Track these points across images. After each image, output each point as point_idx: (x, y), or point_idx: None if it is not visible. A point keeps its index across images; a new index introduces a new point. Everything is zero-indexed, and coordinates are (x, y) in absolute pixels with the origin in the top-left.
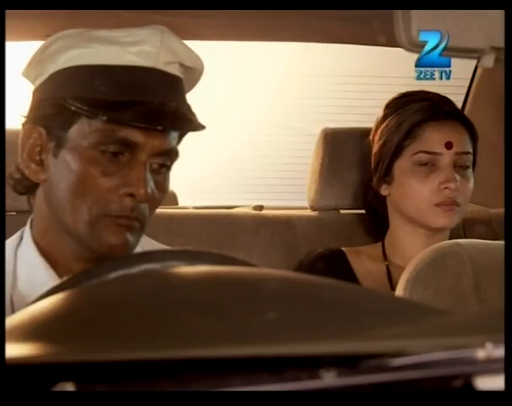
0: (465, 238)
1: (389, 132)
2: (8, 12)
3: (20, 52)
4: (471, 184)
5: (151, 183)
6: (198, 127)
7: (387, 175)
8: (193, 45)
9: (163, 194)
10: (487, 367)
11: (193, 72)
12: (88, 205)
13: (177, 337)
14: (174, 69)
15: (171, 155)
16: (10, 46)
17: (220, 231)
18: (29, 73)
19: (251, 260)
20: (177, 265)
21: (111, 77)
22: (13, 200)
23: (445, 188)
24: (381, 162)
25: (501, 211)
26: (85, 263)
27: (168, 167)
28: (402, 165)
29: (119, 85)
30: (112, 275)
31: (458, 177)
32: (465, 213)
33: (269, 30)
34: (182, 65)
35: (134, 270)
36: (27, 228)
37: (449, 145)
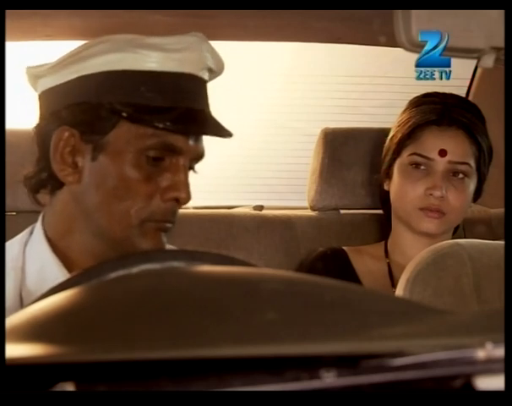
0: (465, 238)
1: (397, 128)
2: (8, 12)
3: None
4: (465, 195)
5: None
6: (226, 133)
7: (389, 170)
8: None
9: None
10: (487, 367)
11: (215, 75)
12: (130, 209)
13: (177, 337)
14: (204, 74)
15: (202, 158)
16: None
17: (220, 231)
18: (50, 72)
19: (251, 260)
20: (177, 265)
21: (155, 83)
22: (13, 200)
23: (430, 194)
24: (386, 156)
25: (501, 211)
26: (98, 260)
27: (193, 170)
28: (400, 163)
29: (162, 90)
30: (112, 275)
31: (449, 186)
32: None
33: (269, 30)
34: (210, 70)
35: (134, 270)
36: (38, 225)
37: (442, 153)
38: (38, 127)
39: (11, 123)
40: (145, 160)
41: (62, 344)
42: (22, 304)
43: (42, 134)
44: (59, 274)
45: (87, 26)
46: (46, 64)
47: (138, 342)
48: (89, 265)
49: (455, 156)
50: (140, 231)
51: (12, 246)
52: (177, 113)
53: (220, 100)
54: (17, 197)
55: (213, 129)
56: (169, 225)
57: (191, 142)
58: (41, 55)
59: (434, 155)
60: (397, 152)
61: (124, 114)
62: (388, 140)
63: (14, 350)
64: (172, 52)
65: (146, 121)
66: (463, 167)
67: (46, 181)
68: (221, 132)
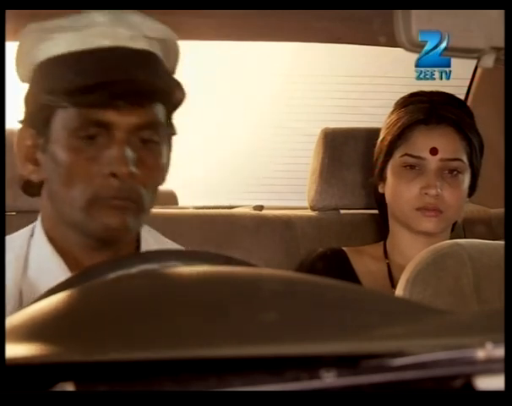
0: (465, 238)
1: (387, 130)
2: (8, 12)
3: None
4: (460, 191)
5: (134, 161)
6: (176, 99)
7: (382, 173)
8: (194, 45)
9: (157, 172)
10: (487, 367)
11: (165, 44)
12: (78, 192)
13: (177, 338)
14: (140, 44)
15: (156, 129)
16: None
17: (220, 231)
18: (21, 75)
19: (251, 260)
20: (176, 265)
21: (76, 63)
22: (13, 200)
23: (425, 193)
24: (378, 159)
25: (501, 211)
26: (93, 252)
27: (157, 143)
28: (393, 165)
29: (83, 69)
30: (111, 275)
31: (443, 184)
32: (464, 213)
33: (269, 30)
34: (147, 37)
35: (133, 270)
36: (38, 222)
37: (433, 151)
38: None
39: (11, 123)
40: (79, 141)
41: (62, 344)
42: (21, 296)
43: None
44: (56, 264)
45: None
46: None
47: (137, 343)
48: (81, 256)
49: (447, 153)
50: (96, 211)
51: (18, 237)
52: (99, 89)
53: (220, 100)
54: (17, 197)
55: (147, 97)
56: (125, 202)
57: (124, 114)
58: None
59: (426, 154)
60: (389, 154)
61: (53, 102)
62: (378, 143)
63: (14, 350)
64: (86, 29)
65: (72, 103)
66: (455, 164)
67: (27, 183)
68: (162, 98)
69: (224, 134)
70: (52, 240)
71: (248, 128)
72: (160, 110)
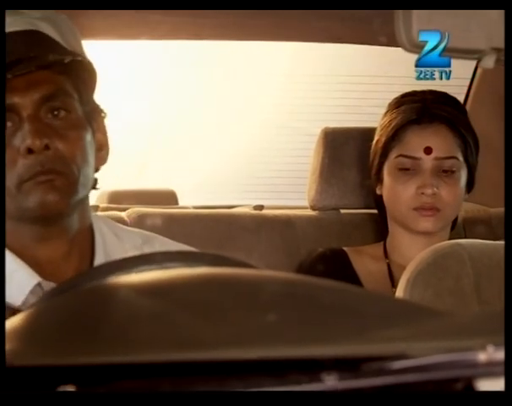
0: (466, 237)
1: (381, 132)
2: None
3: None
4: (457, 189)
5: (48, 133)
6: (77, 71)
7: (378, 175)
8: (194, 45)
9: (78, 143)
10: (488, 370)
11: (54, 22)
12: (9, 181)
13: (177, 340)
14: (25, 26)
15: (63, 98)
16: None
17: (220, 231)
18: None
19: (251, 260)
20: (175, 266)
21: None
22: None
23: (422, 193)
24: (374, 161)
25: (501, 210)
26: (46, 242)
27: (69, 111)
28: (388, 167)
29: None
30: (109, 277)
31: (440, 182)
32: (465, 213)
33: (270, 29)
34: (32, 19)
35: (131, 272)
36: None
37: (428, 151)
38: None
39: None
40: (4, 131)
41: (63, 347)
42: None
43: None
44: (16, 267)
45: (87, 26)
46: None
47: (138, 345)
48: (32, 249)
49: (441, 151)
50: (25, 193)
51: None
52: None
53: (220, 100)
54: None
55: (30, 72)
56: (46, 176)
57: (24, 91)
58: None
59: (420, 154)
60: (384, 156)
61: None
62: (373, 145)
63: (14, 353)
64: None
65: None
66: (450, 162)
67: None
68: (44, 71)
69: (224, 134)
70: (6, 243)
71: (248, 127)
72: (62, 81)
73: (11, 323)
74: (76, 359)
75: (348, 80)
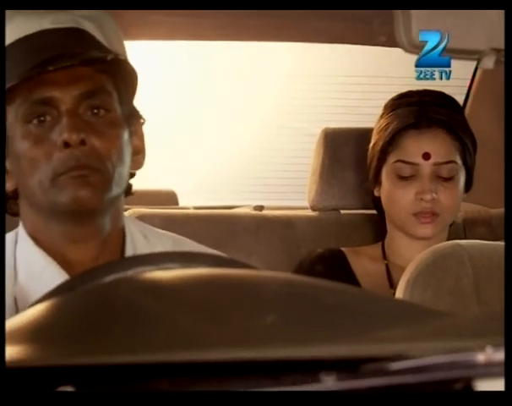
0: (466, 238)
1: (378, 135)
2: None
3: None
4: (455, 192)
5: (86, 129)
6: (119, 71)
7: (376, 177)
8: (194, 45)
9: (115, 142)
10: (488, 371)
11: (98, 21)
12: (42, 175)
13: (176, 341)
14: (68, 24)
15: (102, 96)
16: None
17: (220, 231)
18: None
19: (251, 261)
20: (174, 267)
21: (10, 56)
22: None
23: (421, 198)
24: (371, 164)
25: (501, 211)
26: (76, 243)
27: (108, 110)
28: (386, 171)
29: (17, 58)
30: (107, 278)
31: (438, 187)
32: (465, 213)
33: (270, 30)
34: (75, 17)
35: (129, 273)
36: (21, 227)
37: (426, 156)
38: None
39: None
40: (32, 126)
41: (63, 348)
42: (16, 303)
43: None
44: (45, 263)
45: None
46: None
47: (137, 346)
48: (63, 248)
49: (440, 156)
50: (59, 188)
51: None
52: (34, 69)
53: (220, 100)
54: None
55: (72, 68)
56: (81, 172)
57: (64, 85)
58: None
59: (419, 159)
60: (382, 160)
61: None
62: (370, 148)
63: (14, 353)
64: (20, 16)
65: (14, 92)
66: (449, 167)
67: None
68: (85, 68)
69: (224, 134)
70: (37, 241)
71: (249, 128)
72: (103, 80)
73: (11, 323)
74: (76, 359)
75: (348, 81)
